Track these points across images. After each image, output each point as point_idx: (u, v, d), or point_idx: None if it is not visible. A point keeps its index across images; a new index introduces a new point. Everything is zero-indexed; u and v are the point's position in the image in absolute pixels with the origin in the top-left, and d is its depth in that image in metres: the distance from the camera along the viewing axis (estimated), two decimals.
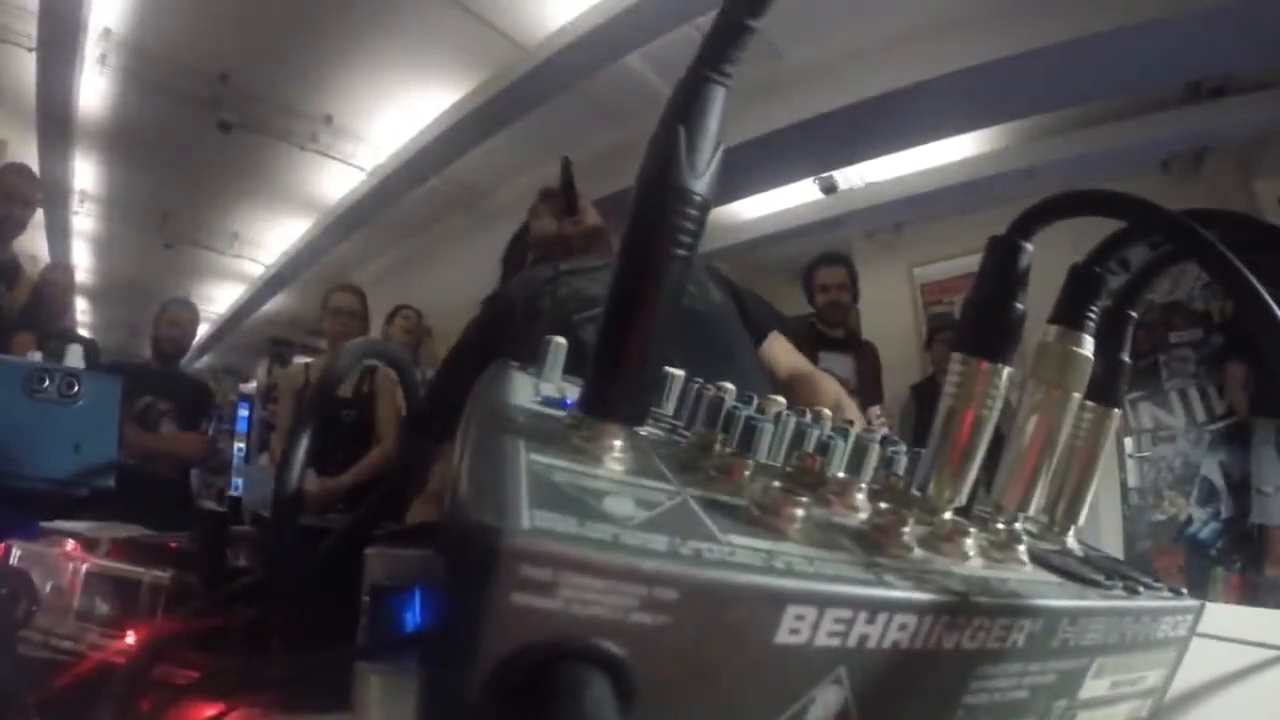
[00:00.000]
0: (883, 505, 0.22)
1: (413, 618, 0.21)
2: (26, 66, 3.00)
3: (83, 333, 4.45)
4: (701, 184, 0.18)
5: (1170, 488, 3.06)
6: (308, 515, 0.41)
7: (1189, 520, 2.99)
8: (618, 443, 0.19)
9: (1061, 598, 0.21)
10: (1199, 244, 0.22)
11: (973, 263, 0.25)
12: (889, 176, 3.50)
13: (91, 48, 2.94)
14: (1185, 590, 0.28)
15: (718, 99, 0.18)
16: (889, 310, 3.78)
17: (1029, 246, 0.25)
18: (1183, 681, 0.30)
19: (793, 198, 3.70)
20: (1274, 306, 0.21)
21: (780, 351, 1.13)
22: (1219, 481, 2.94)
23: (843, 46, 2.70)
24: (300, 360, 3.78)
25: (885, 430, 0.31)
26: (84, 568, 0.27)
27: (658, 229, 0.18)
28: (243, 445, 6.79)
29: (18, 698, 0.25)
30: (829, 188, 3.63)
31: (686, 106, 0.18)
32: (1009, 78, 2.50)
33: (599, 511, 0.15)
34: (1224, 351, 2.89)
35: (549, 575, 0.13)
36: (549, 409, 0.23)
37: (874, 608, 0.16)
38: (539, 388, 0.28)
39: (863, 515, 0.22)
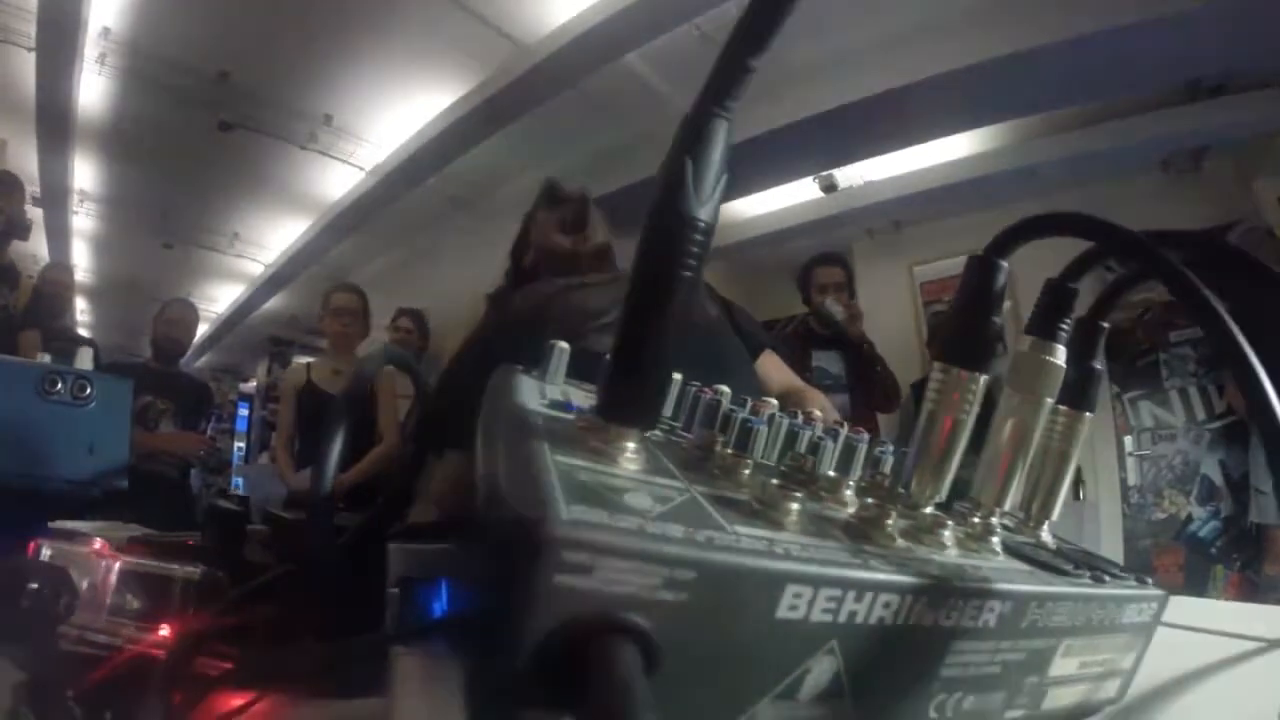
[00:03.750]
0: (869, 500, 0.23)
1: (440, 606, 0.23)
2: (26, 66, 3.00)
3: (82, 332, 4.45)
4: (706, 211, 0.20)
5: (1170, 486, 3.06)
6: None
7: (1189, 519, 2.99)
8: (631, 445, 0.20)
9: (1030, 583, 0.23)
10: (1159, 263, 0.24)
11: None
12: (889, 175, 3.50)
13: (91, 47, 2.94)
14: (1150, 580, 0.29)
15: (721, 133, 0.20)
16: (889, 309, 3.78)
17: (1005, 264, 0.26)
18: (1170, 670, 0.32)
19: (793, 196, 3.71)
20: (1227, 318, 0.23)
21: (772, 368, 1.15)
22: (1219, 480, 2.94)
23: (843, 46, 2.70)
24: (300, 360, 3.78)
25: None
26: (117, 565, 0.27)
27: (667, 252, 0.19)
28: (243, 445, 6.81)
29: (57, 691, 0.26)
30: (829, 186, 3.64)
31: (693, 140, 0.20)
32: (1009, 77, 2.50)
33: (622, 505, 0.17)
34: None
35: (587, 559, 0.14)
36: (558, 412, 0.24)
37: (861, 587, 0.18)
38: (544, 391, 0.29)
39: (851, 510, 0.23)
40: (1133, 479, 3.16)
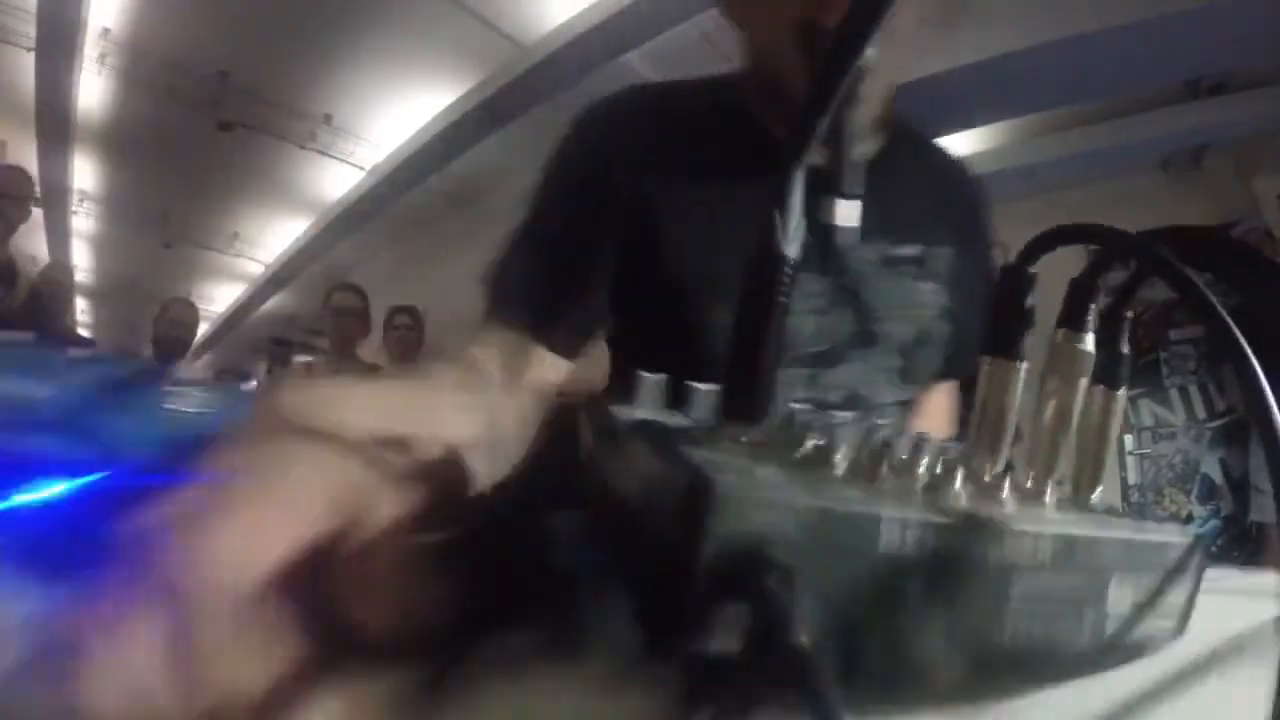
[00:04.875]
0: (938, 470, 0.28)
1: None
2: (26, 66, 3.00)
3: (83, 333, 4.46)
4: (793, 249, 0.25)
5: (1171, 485, 3.07)
6: None
7: (1189, 517, 3.00)
8: (744, 438, 0.25)
9: (1079, 528, 0.27)
10: (1159, 263, 0.27)
11: None
12: None
13: (91, 47, 2.94)
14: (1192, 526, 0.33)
15: (799, 183, 0.25)
16: None
17: (1033, 271, 0.31)
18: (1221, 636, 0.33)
19: None
20: (1225, 314, 0.25)
21: (943, 404, 0.94)
22: (1219, 478, 2.95)
23: None
24: (300, 360, 3.78)
25: None
26: None
27: (768, 287, 0.25)
28: None
29: None
30: None
31: (779, 194, 0.25)
32: (1008, 76, 2.50)
33: (757, 474, 0.21)
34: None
35: (745, 511, 0.19)
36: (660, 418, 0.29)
37: (941, 527, 0.22)
38: (636, 414, 0.32)
39: (925, 477, 0.28)
40: (1133, 478, 3.16)
